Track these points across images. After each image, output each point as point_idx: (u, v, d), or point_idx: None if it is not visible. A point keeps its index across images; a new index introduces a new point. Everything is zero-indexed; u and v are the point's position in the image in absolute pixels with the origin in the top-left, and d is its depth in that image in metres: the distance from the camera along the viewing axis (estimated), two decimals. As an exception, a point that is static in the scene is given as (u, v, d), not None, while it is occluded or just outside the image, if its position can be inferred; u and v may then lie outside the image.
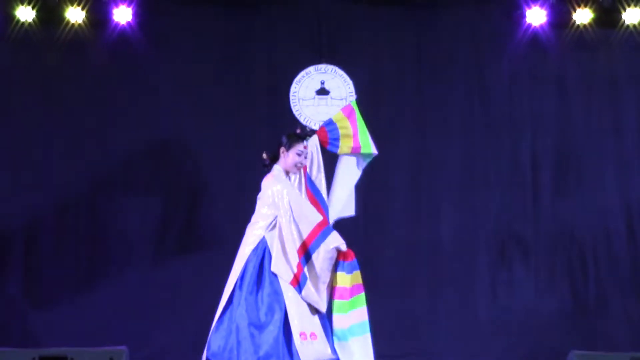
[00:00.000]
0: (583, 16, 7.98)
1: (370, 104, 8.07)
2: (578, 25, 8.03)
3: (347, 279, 5.87)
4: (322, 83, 8.08)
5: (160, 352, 7.64)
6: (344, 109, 6.28)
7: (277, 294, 6.14)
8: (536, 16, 7.97)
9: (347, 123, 6.27)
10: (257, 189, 6.15)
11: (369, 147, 6.24)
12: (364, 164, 6.26)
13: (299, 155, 6.32)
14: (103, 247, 7.94)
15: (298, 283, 6.08)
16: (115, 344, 5.36)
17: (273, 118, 8.04)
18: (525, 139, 8.13)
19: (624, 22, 8.01)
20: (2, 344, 5.38)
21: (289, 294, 6.27)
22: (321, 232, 5.98)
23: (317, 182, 6.42)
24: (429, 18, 8.10)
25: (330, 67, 8.09)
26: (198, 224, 7.99)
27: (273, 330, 6.14)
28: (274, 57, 8.12)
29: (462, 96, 8.13)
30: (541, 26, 8.02)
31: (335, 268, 5.98)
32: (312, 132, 6.50)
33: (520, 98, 8.12)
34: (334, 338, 5.96)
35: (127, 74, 8.08)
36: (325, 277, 6.01)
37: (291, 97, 8.07)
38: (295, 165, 6.34)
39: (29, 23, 8.03)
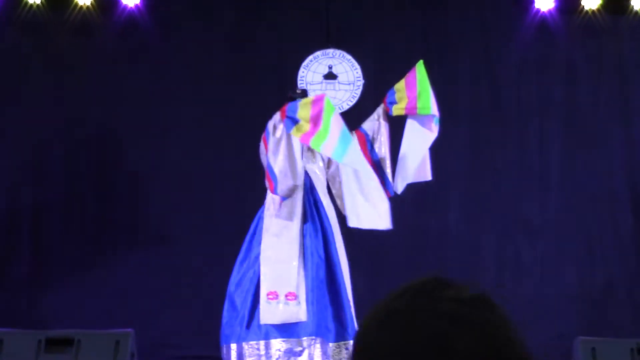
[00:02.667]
0: (592, 2, 7.96)
1: (377, 89, 8.04)
2: (587, 11, 7.99)
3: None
4: (330, 67, 8.07)
5: (166, 335, 7.64)
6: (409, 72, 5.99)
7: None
8: (545, 1, 7.95)
9: (403, 85, 6.00)
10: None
11: (428, 109, 5.91)
12: (433, 126, 5.95)
13: None
14: (111, 231, 7.94)
15: None
16: (121, 327, 5.35)
17: (281, 103, 8.01)
18: (533, 124, 8.11)
19: (633, 8, 7.97)
20: (9, 326, 5.36)
21: (266, 252, 6.22)
22: None
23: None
24: (436, 3, 8.08)
25: (337, 52, 8.08)
26: (207, 208, 7.98)
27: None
28: (282, 42, 8.11)
29: (469, 81, 8.10)
30: (549, 12, 7.98)
31: None
32: (303, 92, 6.47)
33: (528, 83, 8.09)
34: None
35: (135, 57, 8.07)
36: None
37: (299, 82, 8.05)
38: None
39: (37, 6, 8.02)
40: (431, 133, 5.97)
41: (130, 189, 7.97)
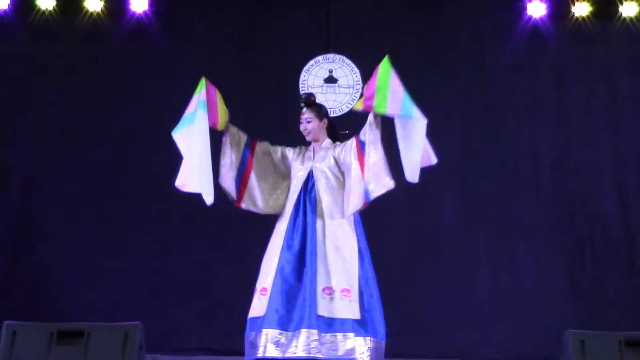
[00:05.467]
0: (582, 9, 7.97)
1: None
2: (577, 18, 8.01)
3: None
4: (330, 72, 8.08)
5: (173, 328, 7.66)
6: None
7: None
8: (536, 8, 7.96)
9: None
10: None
11: (384, 107, 5.52)
12: (410, 121, 5.58)
13: (300, 123, 6.39)
14: (119, 230, 7.95)
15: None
16: (130, 320, 5.35)
17: (283, 105, 8.04)
18: (524, 126, 8.12)
19: (621, 14, 7.99)
20: (22, 319, 5.37)
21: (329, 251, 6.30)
22: None
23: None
24: (432, 8, 8.10)
25: (338, 57, 8.09)
26: (213, 206, 7.99)
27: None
28: (285, 47, 8.14)
29: (464, 84, 8.13)
30: (541, 18, 8.00)
31: None
32: (308, 98, 6.51)
33: (520, 87, 8.11)
34: None
35: (143, 62, 8.08)
36: None
37: (300, 85, 8.08)
38: (303, 133, 6.44)
39: (49, 12, 8.04)
40: (420, 121, 5.61)
41: (138, 186, 7.98)
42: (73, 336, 5.04)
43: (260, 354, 6.16)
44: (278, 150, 6.51)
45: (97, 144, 8.04)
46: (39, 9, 8.02)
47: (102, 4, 8.00)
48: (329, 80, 8.07)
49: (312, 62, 8.12)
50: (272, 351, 6.13)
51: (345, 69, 8.09)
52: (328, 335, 6.16)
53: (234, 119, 8.03)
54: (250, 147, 6.47)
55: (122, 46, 8.09)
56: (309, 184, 6.49)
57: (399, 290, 7.90)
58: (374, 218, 7.96)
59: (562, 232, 8.02)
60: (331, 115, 7.81)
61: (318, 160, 6.50)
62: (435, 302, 7.95)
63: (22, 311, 6.73)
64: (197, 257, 7.81)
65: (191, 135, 5.78)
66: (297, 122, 7.28)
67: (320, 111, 6.56)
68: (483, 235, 8.03)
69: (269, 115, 8.03)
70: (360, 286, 6.28)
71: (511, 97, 8.10)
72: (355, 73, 8.08)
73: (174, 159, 7.99)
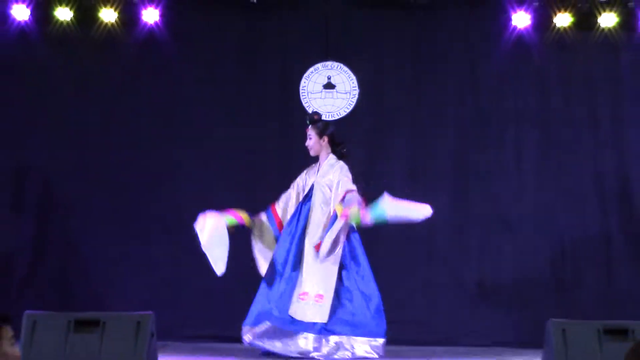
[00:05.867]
0: (563, 20, 7.95)
1: (372, 98, 8.07)
2: (558, 28, 8.00)
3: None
4: (329, 78, 8.07)
5: (183, 317, 7.67)
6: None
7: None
8: (521, 19, 7.94)
9: None
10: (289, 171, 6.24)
11: (358, 221, 6.43)
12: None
13: (307, 138, 6.52)
14: (132, 227, 7.95)
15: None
16: (142, 310, 5.35)
17: (284, 110, 8.05)
18: (510, 129, 8.10)
19: (600, 25, 7.97)
20: (42, 310, 5.37)
21: (308, 258, 6.41)
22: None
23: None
24: (426, 20, 8.08)
25: (336, 64, 8.08)
26: (220, 203, 7.99)
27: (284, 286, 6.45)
28: (286, 55, 8.12)
29: (454, 91, 8.11)
30: (525, 29, 7.99)
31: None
32: (312, 117, 6.60)
33: (506, 93, 8.09)
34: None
35: (154, 69, 8.07)
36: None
37: (301, 91, 8.07)
38: (308, 147, 6.55)
39: (67, 22, 8.03)
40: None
41: (151, 184, 7.97)
42: (89, 325, 5.03)
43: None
44: (283, 199, 6.75)
45: (111, 144, 8.03)
46: (57, 20, 8.01)
47: (116, 15, 7.99)
48: (328, 86, 8.06)
49: (311, 69, 8.10)
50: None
51: (342, 75, 8.08)
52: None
53: (238, 122, 8.06)
54: (274, 216, 6.76)
55: (134, 54, 8.08)
56: (309, 196, 6.60)
57: (393, 282, 7.91)
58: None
59: (544, 228, 8.01)
60: (329, 118, 7.84)
61: (320, 175, 6.60)
62: (426, 293, 7.96)
63: (41, 303, 6.73)
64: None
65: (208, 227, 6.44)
66: (297, 126, 7.31)
67: (321, 129, 6.65)
68: (472, 231, 8.03)
69: (270, 120, 8.03)
70: (336, 293, 6.44)
71: (498, 102, 8.08)
72: (352, 79, 8.07)
73: (181, 158, 8.04)
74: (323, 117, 7.79)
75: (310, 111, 7.79)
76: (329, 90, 8.04)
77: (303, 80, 8.07)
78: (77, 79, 8.10)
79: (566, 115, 8.09)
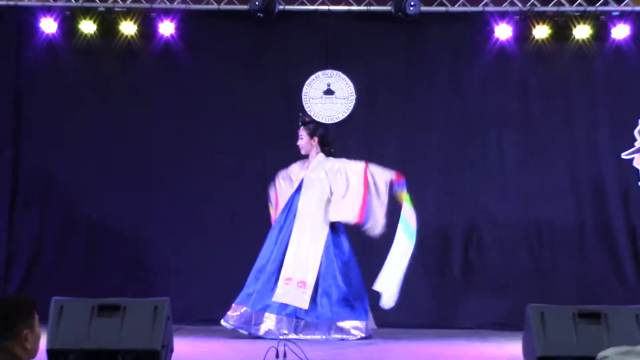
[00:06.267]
0: (541, 32, 7.95)
1: (367, 103, 8.07)
2: (537, 40, 7.99)
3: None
4: (329, 85, 8.07)
5: (197, 302, 7.68)
6: None
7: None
8: (503, 32, 7.93)
9: None
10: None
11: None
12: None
13: (298, 138, 6.57)
14: (150, 221, 7.96)
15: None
16: (159, 295, 5.36)
17: (288, 114, 8.03)
18: (493, 132, 8.10)
19: (575, 37, 7.97)
20: (68, 296, 5.38)
21: (292, 247, 6.45)
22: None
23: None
24: (416, 33, 8.07)
25: (335, 72, 8.08)
26: (228, 199, 7.98)
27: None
28: (289, 64, 8.11)
29: (442, 96, 8.10)
30: (507, 40, 7.98)
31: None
32: (303, 119, 6.65)
33: (489, 98, 8.09)
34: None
35: (170, 78, 8.07)
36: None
37: (303, 97, 8.07)
38: (299, 146, 6.59)
39: (91, 35, 8.02)
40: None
41: (165, 181, 7.97)
42: (111, 310, 5.03)
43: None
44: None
45: (129, 144, 8.03)
46: (82, 33, 8.00)
47: (135, 28, 7.98)
48: (327, 92, 8.06)
49: (312, 76, 8.10)
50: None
51: (341, 82, 8.08)
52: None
53: (246, 127, 8.05)
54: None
55: (152, 63, 8.08)
56: (299, 190, 6.64)
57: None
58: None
59: (524, 221, 8.01)
60: (328, 122, 7.85)
61: (310, 171, 6.63)
62: (418, 280, 7.96)
63: (68, 289, 6.73)
64: (217, 242, 7.82)
65: None
66: (299, 128, 7.31)
67: (312, 130, 6.71)
68: (458, 223, 8.02)
69: (275, 123, 8.03)
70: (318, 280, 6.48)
71: (482, 107, 8.08)
72: (350, 86, 8.07)
73: (192, 157, 8.04)
74: (323, 121, 7.82)
75: (312, 116, 7.80)
76: (329, 96, 8.04)
77: (305, 87, 8.07)
78: (99, 86, 8.09)
79: (544, 118, 8.09)
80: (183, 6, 7.98)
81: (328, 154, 6.79)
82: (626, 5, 7.95)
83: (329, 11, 8.04)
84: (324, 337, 6.43)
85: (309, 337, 6.39)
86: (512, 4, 7.99)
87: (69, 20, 8.00)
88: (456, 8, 8.00)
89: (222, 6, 8.02)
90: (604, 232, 7.96)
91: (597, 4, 7.94)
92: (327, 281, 6.53)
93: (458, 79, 8.10)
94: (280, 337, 6.14)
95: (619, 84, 8.02)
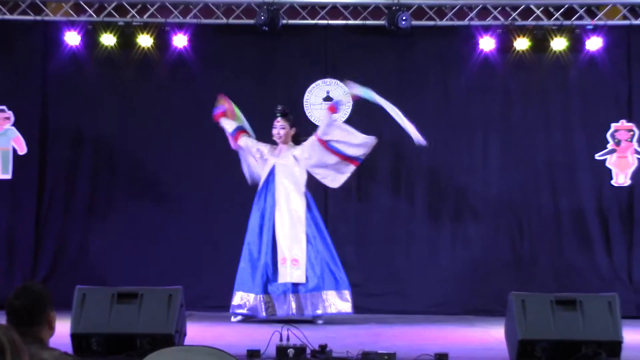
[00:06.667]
0: (522, 44, 7.94)
1: (363, 109, 8.04)
2: (518, 51, 7.99)
3: None
4: (328, 92, 8.07)
5: (208, 290, 7.67)
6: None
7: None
8: (487, 44, 7.93)
9: None
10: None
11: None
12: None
13: (274, 128, 6.54)
14: (163, 215, 7.94)
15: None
16: (173, 284, 5.35)
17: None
18: (478, 135, 8.11)
19: (552, 48, 7.96)
20: (91, 284, 5.38)
21: (279, 229, 6.48)
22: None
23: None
24: (407, 45, 8.07)
25: (333, 81, 8.08)
26: (237, 196, 7.97)
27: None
28: (292, 73, 8.11)
29: (432, 103, 8.10)
30: (490, 51, 7.97)
31: None
32: (283, 110, 6.69)
33: (474, 104, 8.09)
34: None
35: (183, 87, 8.07)
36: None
37: (304, 103, 8.06)
38: (274, 136, 6.56)
39: (111, 47, 8.02)
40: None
41: (179, 179, 7.98)
42: (129, 297, 5.04)
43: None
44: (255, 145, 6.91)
45: (146, 146, 8.03)
46: (103, 45, 8.00)
47: (151, 40, 7.97)
48: (327, 99, 8.05)
49: (313, 85, 8.09)
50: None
51: (339, 90, 8.07)
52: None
53: (253, 130, 8.03)
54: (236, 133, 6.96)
55: (166, 73, 8.08)
56: (270, 176, 6.67)
57: (381, 259, 7.92)
58: (365, 204, 8.02)
59: (505, 215, 8.01)
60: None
61: (282, 158, 6.68)
62: (408, 269, 7.96)
63: (90, 279, 6.73)
64: (226, 233, 7.80)
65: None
66: (301, 131, 7.29)
67: (292, 121, 6.80)
68: (445, 217, 8.02)
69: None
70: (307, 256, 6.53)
71: (468, 113, 8.08)
72: (347, 94, 8.04)
73: (203, 157, 8.03)
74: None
75: (312, 121, 7.79)
76: (328, 102, 8.02)
77: (306, 94, 8.06)
78: (119, 94, 8.10)
79: (524, 122, 8.09)
80: (195, 20, 7.99)
81: (296, 142, 6.89)
82: (599, 19, 7.94)
83: (328, 25, 8.05)
84: (319, 311, 6.46)
85: (309, 311, 6.43)
86: (495, 18, 7.99)
87: (91, 33, 7.99)
88: (444, 22, 8.00)
89: (231, 21, 8.03)
90: (579, 226, 7.96)
91: (573, 19, 7.94)
92: (312, 254, 6.59)
93: (446, 87, 8.09)
94: (284, 317, 6.25)
95: (592, 91, 8.01)
